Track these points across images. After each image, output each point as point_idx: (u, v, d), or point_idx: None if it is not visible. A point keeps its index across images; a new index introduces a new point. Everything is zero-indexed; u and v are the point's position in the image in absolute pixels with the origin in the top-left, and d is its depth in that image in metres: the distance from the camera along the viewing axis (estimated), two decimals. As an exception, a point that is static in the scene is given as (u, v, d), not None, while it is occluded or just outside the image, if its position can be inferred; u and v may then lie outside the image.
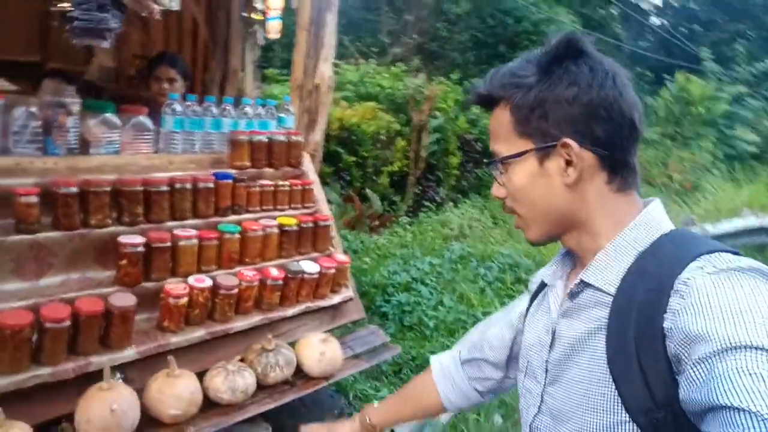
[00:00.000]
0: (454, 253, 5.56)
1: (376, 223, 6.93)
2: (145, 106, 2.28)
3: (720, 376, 0.65)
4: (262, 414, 2.03)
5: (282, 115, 2.73)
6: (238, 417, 1.90)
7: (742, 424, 0.60)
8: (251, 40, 3.43)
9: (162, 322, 1.90)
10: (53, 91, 1.99)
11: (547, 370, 0.97)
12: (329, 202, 4.58)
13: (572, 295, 0.93)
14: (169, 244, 1.95)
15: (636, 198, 0.93)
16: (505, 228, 6.91)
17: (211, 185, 2.18)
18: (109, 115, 2.10)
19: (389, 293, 4.47)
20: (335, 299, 2.47)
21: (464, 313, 4.32)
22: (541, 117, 0.88)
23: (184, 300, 1.89)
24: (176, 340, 1.90)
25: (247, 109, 2.58)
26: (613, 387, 0.81)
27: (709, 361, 0.68)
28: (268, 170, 2.49)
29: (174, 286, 1.89)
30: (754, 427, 0.59)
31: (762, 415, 0.59)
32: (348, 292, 2.56)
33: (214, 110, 2.44)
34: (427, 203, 7.89)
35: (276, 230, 2.33)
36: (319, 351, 2.16)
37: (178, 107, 2.31)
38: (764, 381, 0.62)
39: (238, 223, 2.24)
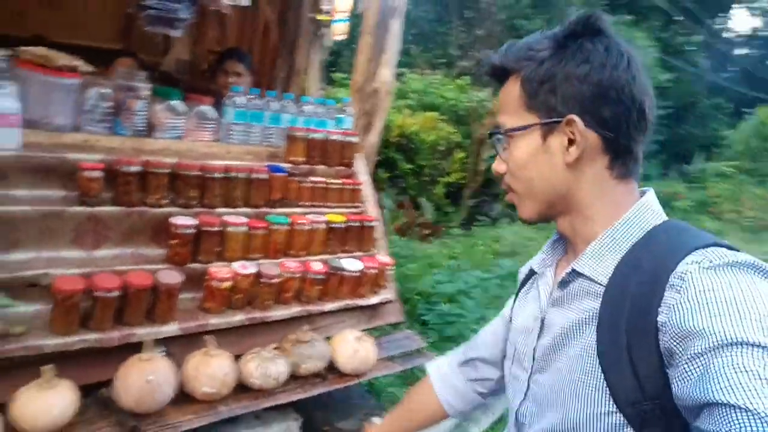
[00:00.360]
0: (503, 269, 5.47)
1: (427, 231, 6.92)
2: (211, 97, 2.38)
3: (716, 372, 0.64)
4: (293, 404, 2.07)
5: (341, 115, 2.79)
6: (267, 403, 1.94)
7: (739, 422, 0.60)
8: (318, 42, 3.52)
9: (204, 303, 1.97)
10: (126, 75, 2.11)
11: (534, 358, 0.96)
12: (382, 206, 4.61)
13: (563, 284, 0.92)
14: (218, 228, 2.02)
15: (634, 188, 0.91)
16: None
17: (265, 177, 2.25)
18: (175, 102, 2.20)
19: (433, 302, 4.45)
20: (374, 299, 2.49)
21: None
22: (549, 92, 0.87)
23: (228, 284, 1.95)
24: (216, 321, 1.96)
25: (307, 106, 2.64)
26: (602, 378, 0.80)
27: (705, 356, 0.67)
28: (321, 167, 2.55)
29: (219, 269, 1.95)
30: (751, 426, 0.59)
31: (759, 413, 0.59)
32: (388, 294, 2.57)
33: (275, 105, 2.52)
34: (481, 217, 7.81)
35: (323, 226, 2.38)
36: (353, 348, 2.18)
37: (239, 99, 2.40)
38: (761, 378, 0.61)
39: (288, 215, 2.30)
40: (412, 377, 3.06)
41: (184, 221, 1.94)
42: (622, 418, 0.78)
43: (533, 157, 0.90)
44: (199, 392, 1.79)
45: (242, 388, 1.93)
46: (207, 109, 2.31)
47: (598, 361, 0.81)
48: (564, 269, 0.93)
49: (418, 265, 5.37)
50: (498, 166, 0.97)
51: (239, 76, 3.10)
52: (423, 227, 6.93)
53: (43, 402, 1.49)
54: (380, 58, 2.83)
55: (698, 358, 0.67)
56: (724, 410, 0.62)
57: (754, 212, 9.72)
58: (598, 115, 0.85)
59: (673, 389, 0.71)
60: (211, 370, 1.80)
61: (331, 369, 2.18)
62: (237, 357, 1.96)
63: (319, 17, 3.20)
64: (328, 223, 2.40)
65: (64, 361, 1.64)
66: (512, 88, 0.92)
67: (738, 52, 20.17)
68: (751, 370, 0.62)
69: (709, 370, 0.65)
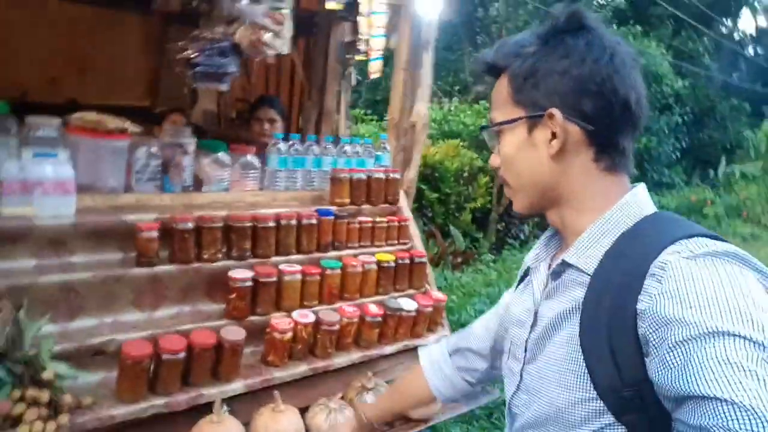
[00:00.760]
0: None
1: (459, 260, 6.84)
2: (251, 146, 2.38)
3: (699, 363, 0.65)
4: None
5: (378, 153, 2.77)
6: (339, 456, 1.87)
7: (725, 415, 0.60)
8: (346, 82, 3.55)
9: (267, 356, 1.93)
10: (172, 132, 2.11)
11: (526, 349, 0.99)
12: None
13: (554, 275, 0.95)
14: (275, 279, 1.99)
15: (624, 181, 0.92)
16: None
17: (314, 221, 2.22)
18: (221, 155, 2.20)
19: (477, 333, 4.35)
20: (431, 338, 2.42)
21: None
22: (533, 86, 0.89)
23: (290, 335, 1.91)
24: (280, 374, 1.92)
25: (347, 147, 2.63)
26: (584, 365, 0.82)
27: (686, 345, 0.67)
28: (367, 207, 2.52)
29: (280, 320, 1.91)
30: (737, 418, 0.59)
31: (744, 405, 0.60)
32: (444, 330, 2.51)
33: (315, 149, 2.51)
34: (510, 240, 7.72)
35: (374, 266, 2.34)
36: (419, 392, 2.11)
37: (282, 146, 2.40)
38: (744, 370, 0.62)
39: (338, 258, 2.27)
40: (471, 415, 2.97)
41: (241, 274, 1.91)
42: (602, 405, 0.80)
43: (521, 150, 0.93)
44: (271, 451, 1.73)
45: (312, 442, 1.87)
46: (251, 158, 2.31)
47: (580, 348, 0.83)
48: (557, 262, 0.96)
49: (456, 295, 5.30)
50: (493, 161, 1.01)
51: (273, 123, 3.12)
52: (454, 256, 6.86)
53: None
54: (415, 93, 2.83)
55: (679, 347, 0.68)
56: (709, 404, 0.62)
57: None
58: (579, 108, 0.87)
59: (653, 378, 0.72)
60: (282, 426, 1.75)
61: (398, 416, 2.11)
62: (300, 409, 1.91)
63: (357, 58, 3.22)
64: (378, 263, 2.36)
65: (133, 429, 1.60)
66: (501, 85, 0.95)
67: (749, 51, 20.01)
68: (735, 362, 0.62)
69: (691, 361, 0.66)
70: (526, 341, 0.98)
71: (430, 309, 2.38)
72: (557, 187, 0.92)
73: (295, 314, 1.99)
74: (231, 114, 4.32)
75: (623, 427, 0.79)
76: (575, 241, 0.90)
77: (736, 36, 19.21)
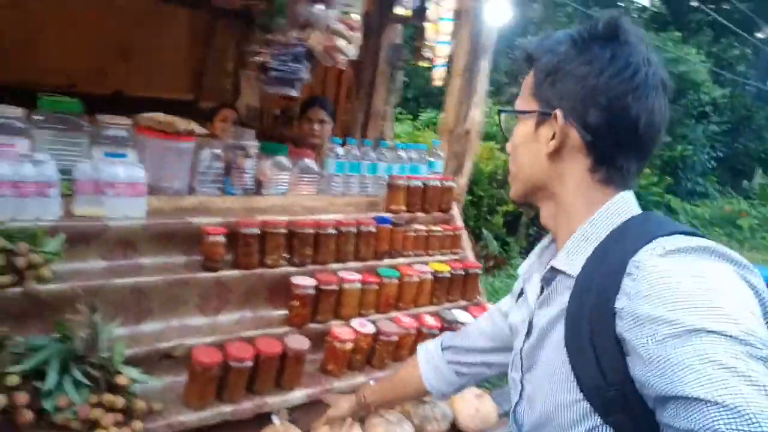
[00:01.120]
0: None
1: (491, 263, 6.77)
2: (310, 149, 2.37)
3: (678, 363, 0.65)
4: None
5: (431, 159, 2.74)
6: (397, 470, 1.85)
7: (710, 416, 0.61)
8: (394, 86, 3.51)
9: (326, 365, 1.91)
10: (235, 135, 2.10)
11: (522, 358, 0.99)
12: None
13: (546, 282, 0.95)
14: (336, 287, 1.97)
15: (617, 195, 0.91)
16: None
17: (373, 229, 2.20)
18: (281, 158, 2.19)
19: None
20: (484, 351, 2.39)
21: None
22: (551, 84, 0.90)
23: (350, 345, 1.89)
24: (339, 384, 1.90)
25: (401, 153, 2.60)
26: (570, 367, 0.82)
27: (663, 344, 0.67)
28: (421, 215, 2.49)
29: (341, 330, 1.89)
30: (722, 419, 0.60)
31: (728, 405, 0.60)
32: (496, 344, 2.46)
33: (372, 154, 2.49)
34: (542, 246, 7.62)
35: (430, 276, 2.31)
36: (474, 407, 2.07)
37: (340, 151, 2.38)
38: (724, 367, 0.62)
39: (394, 267, 2.24)
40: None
41: (305, 282, 1.90)
42: (588, 406, 0.80)
43: (526, 142, 0.95)
44: (331, 463, 1.71)
45: (370, 455, 1.84)
46: (310, 162, 2.29)
47: (566, 350, 0.83)
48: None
49: (491, 301, 5.23)
50: (508, 147, 1.02)
51: (323, 123, 3.09)
52: (486, 260, 6.78)
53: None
54: (471, 99, 2.78)
55: (656, 346, 0.67)
56: (693, 405, 0.62)
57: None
58: (584, 117, 0.87)
59: (634, 377, 0.72)
60: (345, 439, 1.73)
61: (453, 429, 2.08)
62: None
63: (421, 63, 3.18)
64: (434, 273, 2.33)
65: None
66: (530, 75, 0.96)
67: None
68: (714, 360, 0.62)
69: (670, 360, 0.66)
70: (521, 350, 1.00)
71: (484, 321, 2.34)
72: (551, 186, 0.94)
73: (355, 323, 1.97)
74: (274, 111, 4.30)
75: (611, 428, 0.79)
76: (563, 246, 0.92)
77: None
